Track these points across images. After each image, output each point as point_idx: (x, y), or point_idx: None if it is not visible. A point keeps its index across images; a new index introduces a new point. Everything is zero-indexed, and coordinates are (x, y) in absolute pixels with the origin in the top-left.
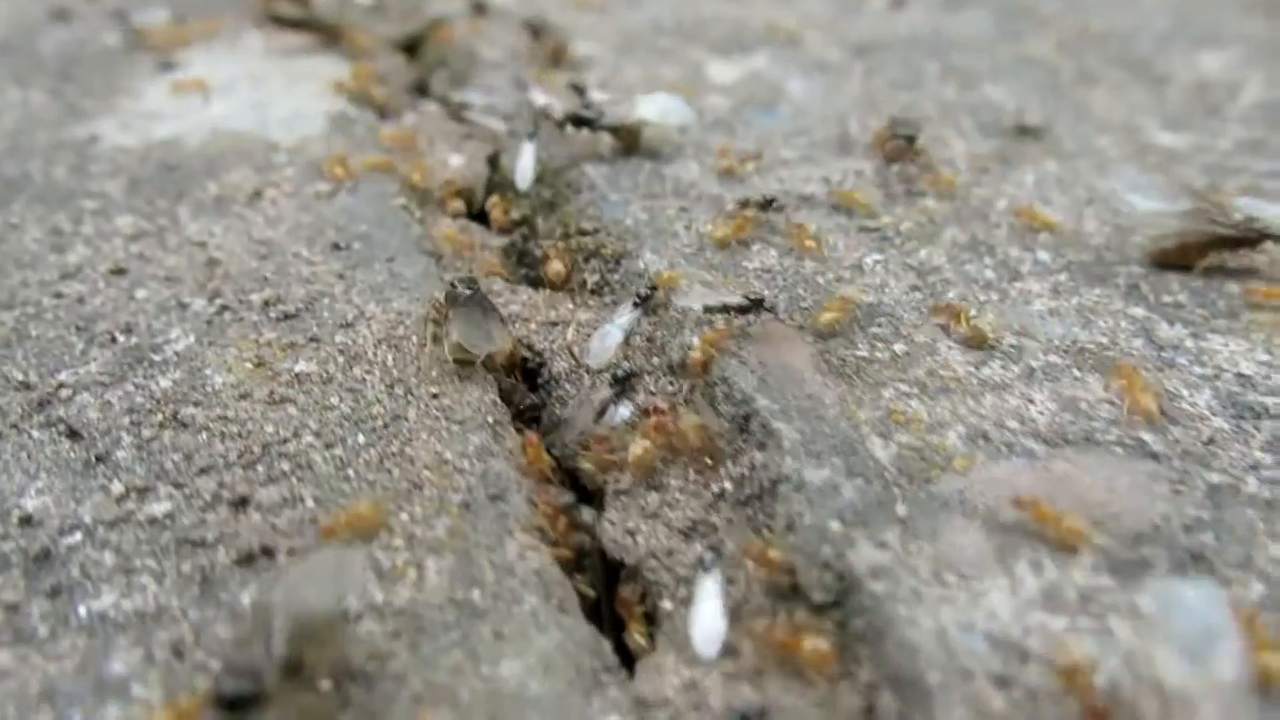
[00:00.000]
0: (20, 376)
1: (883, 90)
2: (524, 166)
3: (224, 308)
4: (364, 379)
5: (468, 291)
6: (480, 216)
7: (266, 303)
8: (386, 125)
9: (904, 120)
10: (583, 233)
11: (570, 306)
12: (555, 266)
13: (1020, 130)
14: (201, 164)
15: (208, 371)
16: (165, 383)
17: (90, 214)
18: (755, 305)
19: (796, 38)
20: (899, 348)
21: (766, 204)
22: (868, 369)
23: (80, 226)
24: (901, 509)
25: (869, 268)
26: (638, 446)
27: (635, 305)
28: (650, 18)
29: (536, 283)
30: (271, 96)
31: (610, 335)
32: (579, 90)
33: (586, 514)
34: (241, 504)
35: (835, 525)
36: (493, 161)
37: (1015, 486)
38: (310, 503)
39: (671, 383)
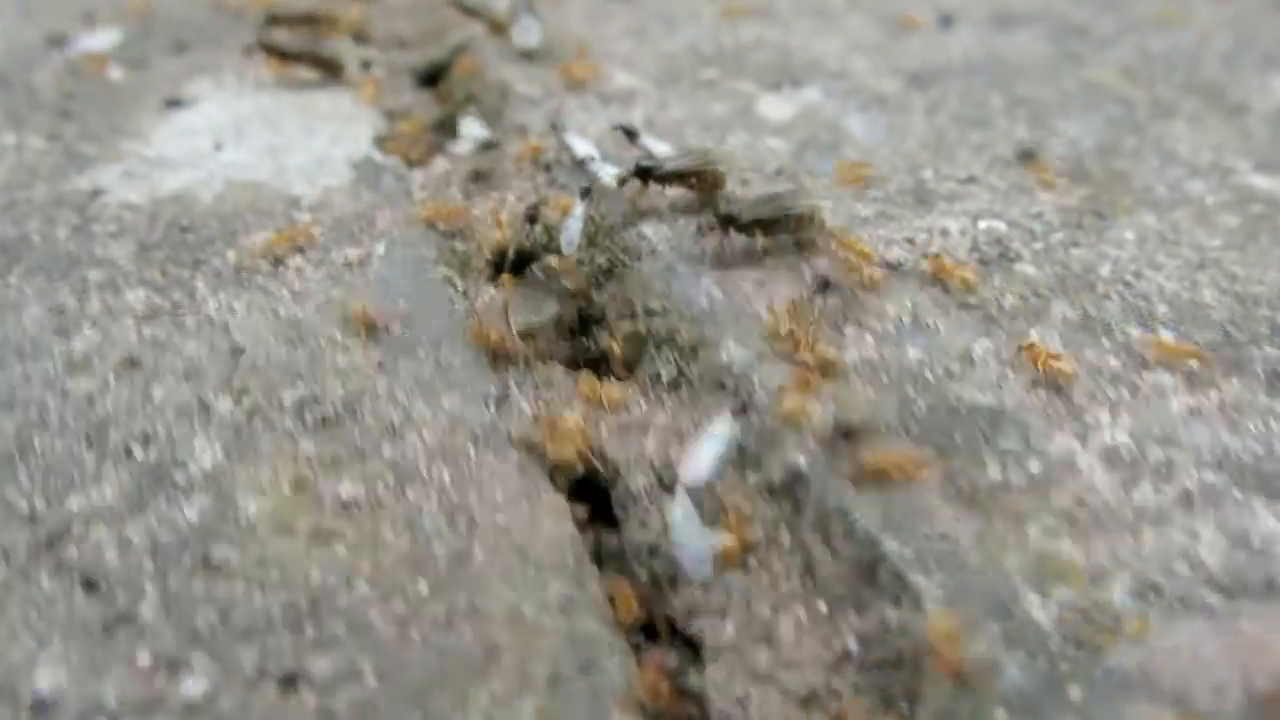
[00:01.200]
0: (25, 505)
1: (950, 128)
2: (571, 230)
3: (253, 410)
4: (419, 506)
5: None
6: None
7: (301, 404)
8: (416, 173)
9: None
10: (650, 313)
11: (643, 404)
12: (621, 355)
13: (1108, 175)
14: (217, 224)
15: (240, 497)
16: (192, 513)
17: (96, 287)
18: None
19: (846, 66)
20: (1034, 467)
21: (824, 286)
22: (1004, 497)
23: (86, 303)
24: (1075, 692)
25: (979, 357)
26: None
27: (734, 415)
28: (688, 43)
29: (598, 365)
30: (288, 140)
31: (706, 450)
32: (629, 134)
33: (693, 677)
34: (290, 682)
35: (1001, 715)
36: (532, 217)
37: (1201, 657)
38: (372, 678)
39: (771, 507)
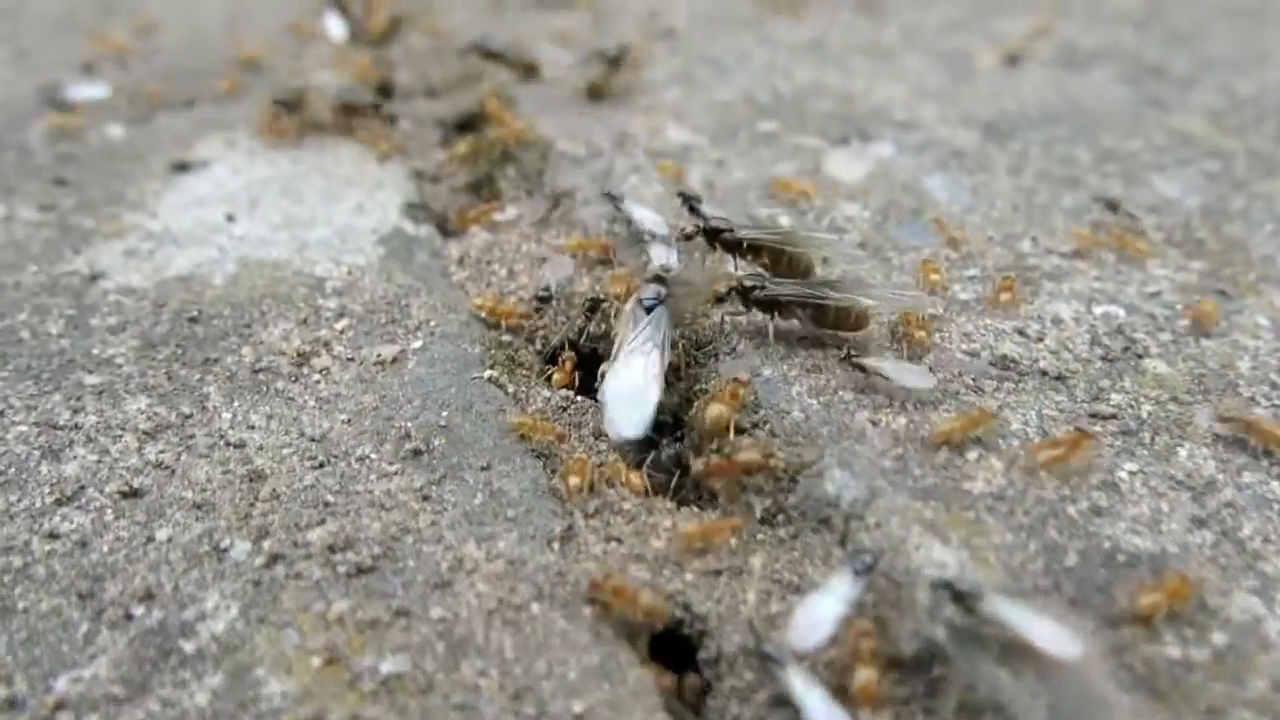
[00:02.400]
0: (3, 688)
1: (1038, 188)
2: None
3: (275, 556)
4: (477, 685)
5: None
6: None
7: (331, 547)
8: (452, 245)
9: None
10: (737, 430)
11: (733, 544)
12: (712, 485)
13: (1222, 244)
14: (231, 315)
15: (260, 674)
16: (202, 697)
17: (93, 394)
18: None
19: (915, 115)
20: (1219, 639)
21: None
22: (1188, 681)
23: (80, 415)
24: None
25: (1125, 485)
26: None
27: (858, 574)
28: (742, 91)
29: (676, 490)
30: (309, 209)
31: (823, 611)
32: (691, 204)
33: None
34: None
35: None
36: (592, 307)
37: None
38: None
39: (903, 685)
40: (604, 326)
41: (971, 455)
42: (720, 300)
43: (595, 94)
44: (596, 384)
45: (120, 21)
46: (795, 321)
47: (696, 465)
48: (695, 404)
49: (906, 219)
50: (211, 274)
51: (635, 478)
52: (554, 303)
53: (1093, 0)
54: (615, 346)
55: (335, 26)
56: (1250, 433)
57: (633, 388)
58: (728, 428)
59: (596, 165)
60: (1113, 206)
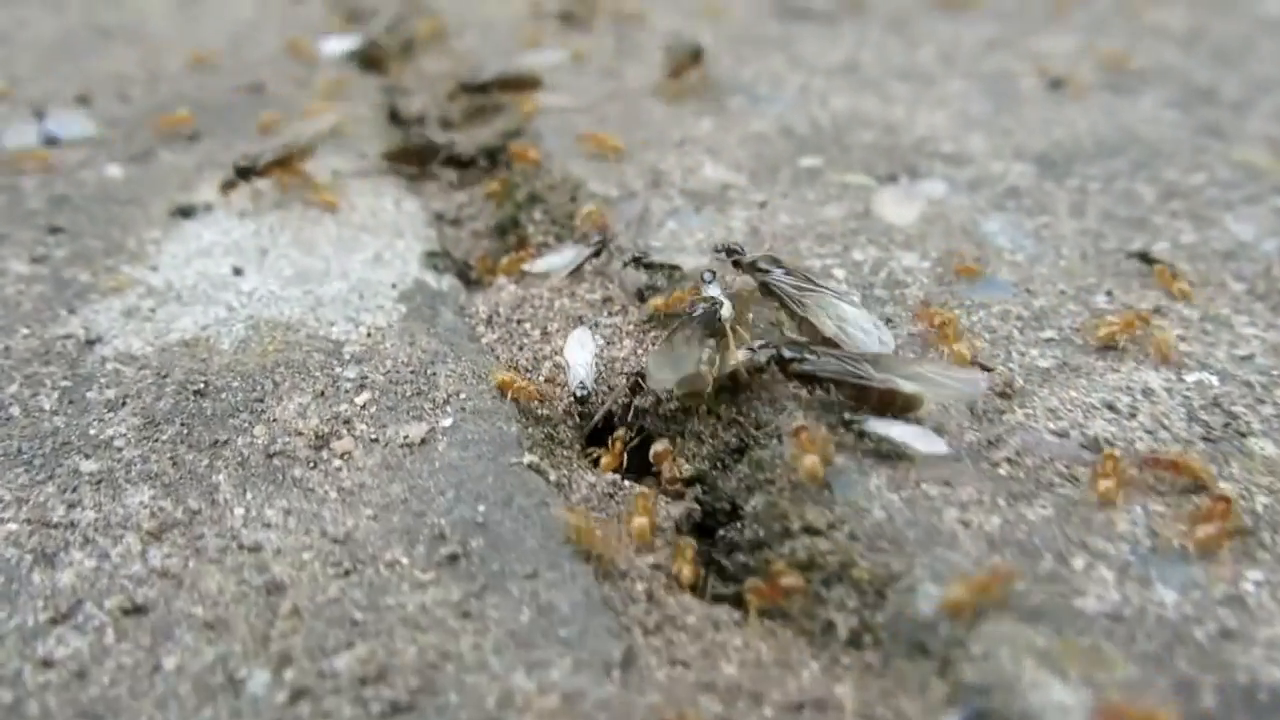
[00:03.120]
0: None
1: (1105, 231)
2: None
3: (299, 690)
4: None
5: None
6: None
7: (362, 679)
8: (478, 300)
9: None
10: (811, 530)
11: (815, 668)
12: (775, 593)
13: None
14: (241, 386)
15: None
16: None
17: (90, 484)
18: None
19: (963, 147)
20: None
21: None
22: None
23: (77, 510)
24: None
25: (1253, 599)
26: None
27: None
28: (779, 121)
29: (742, 602)
30: (322, 260)
31: None
32: (735, 258)
33: None
34: None
35: None
36: (637, 386)
37: None
38: None
39: None
40: (651, 399)
41: (1078, 563)
42: (759, 371)
43: (677, 73)
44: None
45: (119, 47)
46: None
47: (746, 585)
48: (756, 488)
49: (960, 265)
50: (219, 337)
51: (688, 570)
52: (593, 398)
53: (1131, 15)
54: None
55: (334, 46)
56: None
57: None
58: (820, 477)
59: (631, 208)
60: (1146, 259)
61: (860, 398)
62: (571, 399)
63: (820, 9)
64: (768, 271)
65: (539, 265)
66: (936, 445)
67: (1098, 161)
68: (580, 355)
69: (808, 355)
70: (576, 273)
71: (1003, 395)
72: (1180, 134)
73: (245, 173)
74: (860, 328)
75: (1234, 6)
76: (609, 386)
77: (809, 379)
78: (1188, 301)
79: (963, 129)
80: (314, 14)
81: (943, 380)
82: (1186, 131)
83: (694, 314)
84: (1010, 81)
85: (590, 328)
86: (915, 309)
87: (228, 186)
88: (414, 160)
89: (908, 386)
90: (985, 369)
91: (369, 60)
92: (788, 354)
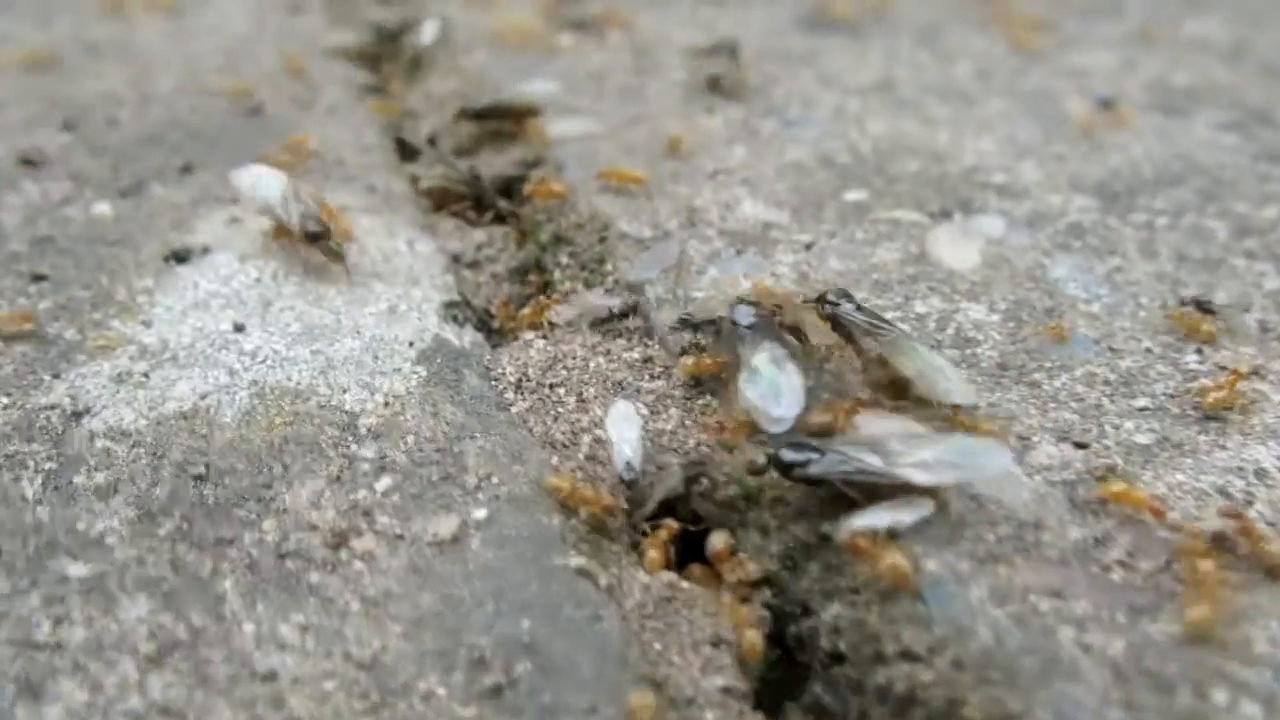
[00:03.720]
0: None
1: (1183, 276)
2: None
3: None
4: None
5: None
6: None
7: None
8: (504, 358)
9: None
10: (909, 656)
11: None
12: None
13: None
14: (247, 469)
15: None
16: None
17: (80, 593)
18: None
19: (1016, 176)
20: None
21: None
22: None
23: (65, 626)
24: None
25: None
26: None
27: None
28: (816, 148)
29: None
30: (331, 313)
31: None
32: (796, 335)
33: None
34: None
35: None
36: (696, 474)
37: None
38: None
39: None
40: (706, 482)
41: (1219, 697)
42: (757, 474)
43: (714, 87)
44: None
45: (108, 64)
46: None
47: None
48: (834, 595)
49: (1041, 321)
50: (220, 408)
51: None
52: (642, 481)
53: (1172, 26)
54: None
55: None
56: None
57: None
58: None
59: (666, 252)
60: (1204, 308)
61: (872, 495)
62: (618, 482)
63: (845, 20)
64: (837, 304)
65: (565, 314)
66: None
67: (1160, 192)
68: (625, 433)
69: (812, 455)
70: (609, 326)
71: (1103, 480)
72: (1240, 160)
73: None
74: (943, 374)
75: (1275, 18)
76: (657, 466)
77: (814, 483)
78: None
79: (1013, 156)
80: (313, 25)
81: (960, 462)
82: (1247, 158)
83: (745, 324)
84: (1054, 102)
85: (631, 398)
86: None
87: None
88: (456, 200)
89: (920, 477)
90: (1080, 446)
91: (372, 79)
92: (789, 457)
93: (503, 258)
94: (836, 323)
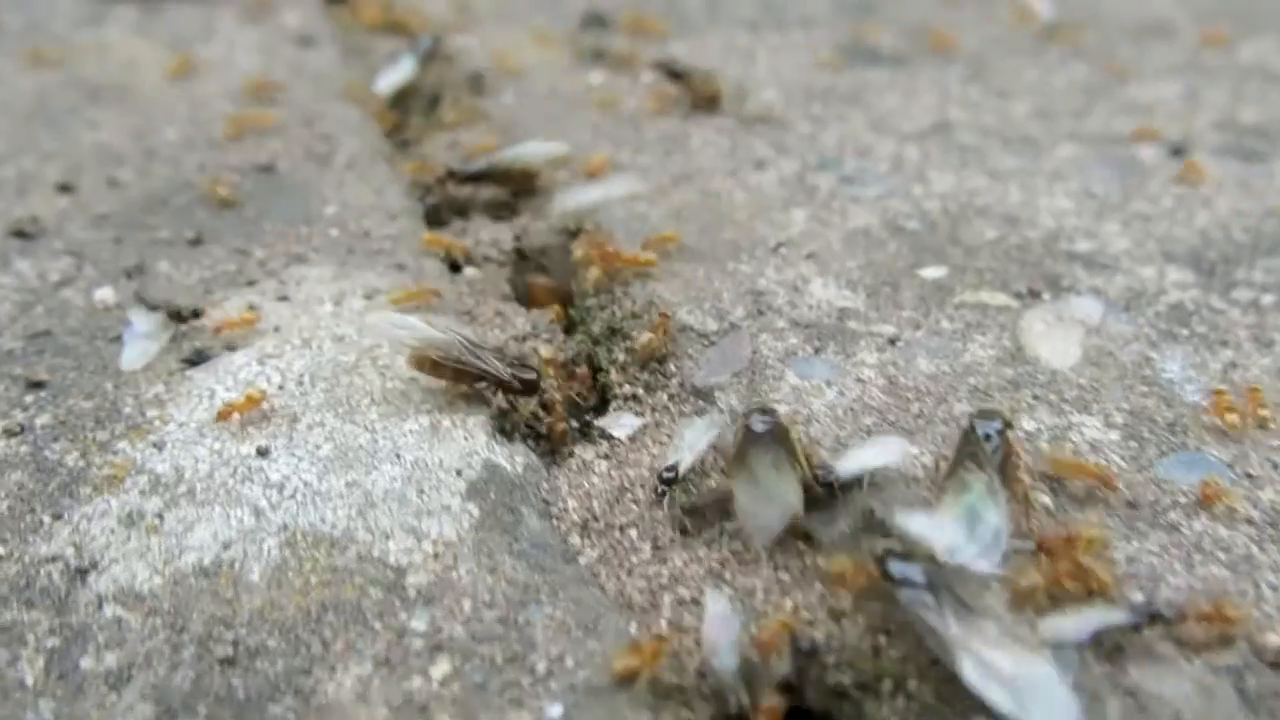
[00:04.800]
0: None
1: None
2: None
3: None
4: None
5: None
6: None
7: None
8: (562, 483)
9: None
10: None
11: None
12: None
13: None
14: (279, 648)
15: None
16: None
17: None
18: None
19: (1102, 244)
20: None
21: None
22: None
23: None
24: None
25: None
26: None
27: None
28: (880, 210)
29: None
30: (365, 429)
31: None
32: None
33: None
34: None
35: None
36: (810, 649)
37: None
38: None
39: None
40: (816, 669)
41: None
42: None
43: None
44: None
45: (106, 111)
46: None
47: None
48: None
49: (1165, 438)
50: (246, 562)
51: None
52: (741, 672)
53: (1226, 51)
54: None
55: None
56: None
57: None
58: None
59: (736, 350)
60: None
61: None
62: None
63: (887, 50)
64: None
65: (623, 428)
66: None
67: (1259, 261)
68: (722, 634)
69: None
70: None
71: (1274, 666)
72: None
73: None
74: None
75: None
76: (757, 658)
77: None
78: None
79: (1093, 217)
80: (325, 61)
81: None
82: None
83: (757, 430)
84: (1124, 147)
85: (722, 587)
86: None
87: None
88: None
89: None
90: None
91: (394, 124)
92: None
93: (550, 348)
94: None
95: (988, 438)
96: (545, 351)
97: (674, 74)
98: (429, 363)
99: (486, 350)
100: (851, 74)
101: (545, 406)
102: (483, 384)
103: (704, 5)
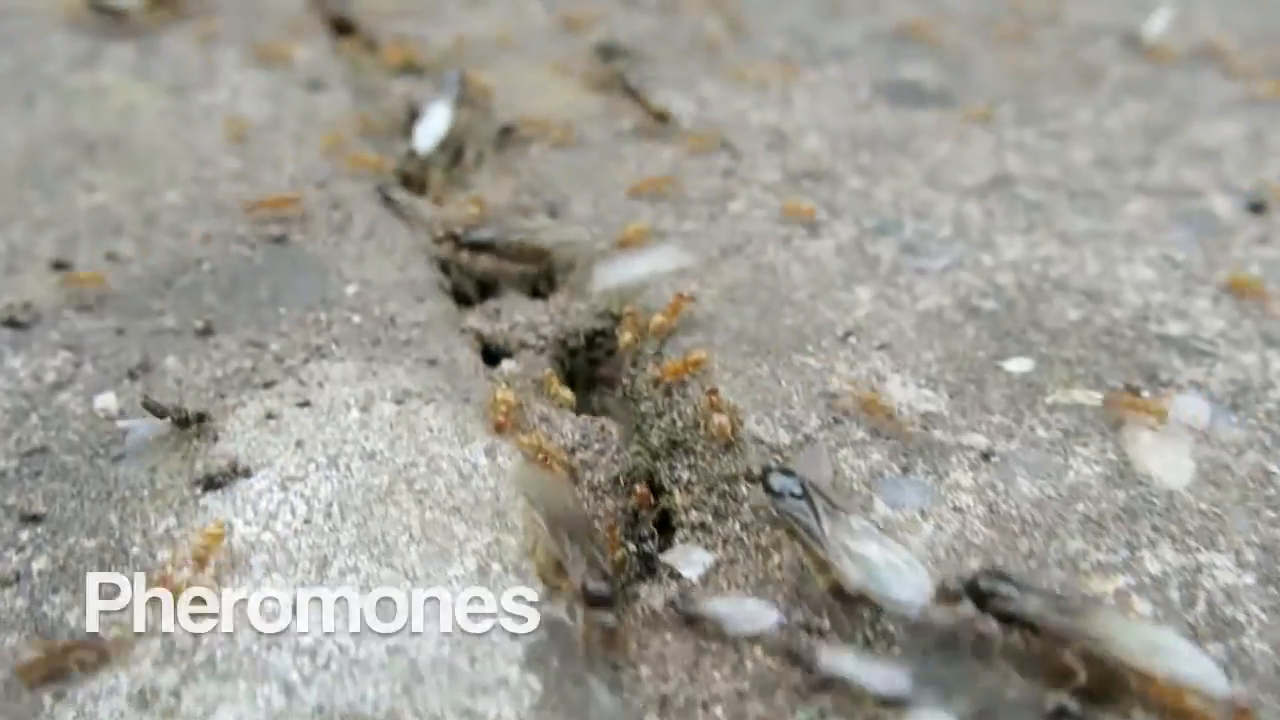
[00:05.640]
0: None
1: None
2: None
3: None
4: None
5: None
6: None
7: None
8: (630, 638)
9: None
10: None
11: None
12: None
13: None
14: None
15: None
16: None
17: None
18: None
19: (1194, 323)
20: None
21: None
22: None
23: None
24: None
25: None
26: None
27: None
28: (950, 285)
29: None
30: (404, 573)
31: None
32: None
33: None
34: None
35: None
36: None
37: None
38: None
39: None
40: None
41: None
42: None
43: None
44: None
45: (102, 167)
46: None
47: None
48: None
49: None
50: None
51: None
52: None
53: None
54: None
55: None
56: None
57: None
58: None
59: (813, 466)
60: None
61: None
62: None
63: (930, 86)
64: None
65: (693, 565)
66: None
67: None
68: None
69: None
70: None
71: None
72: None
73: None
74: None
75: None
76: None
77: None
78: None
79: (1180, 290)
80: (338, 107)
81: None
82: None
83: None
84: (1198, 199)
85: None
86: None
87: None
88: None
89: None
90: None
91: (409, 179)
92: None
93: (602, 461)
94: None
95: None
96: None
97: (659, 116)
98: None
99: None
100: (896, 116)
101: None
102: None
103: (731, 36)
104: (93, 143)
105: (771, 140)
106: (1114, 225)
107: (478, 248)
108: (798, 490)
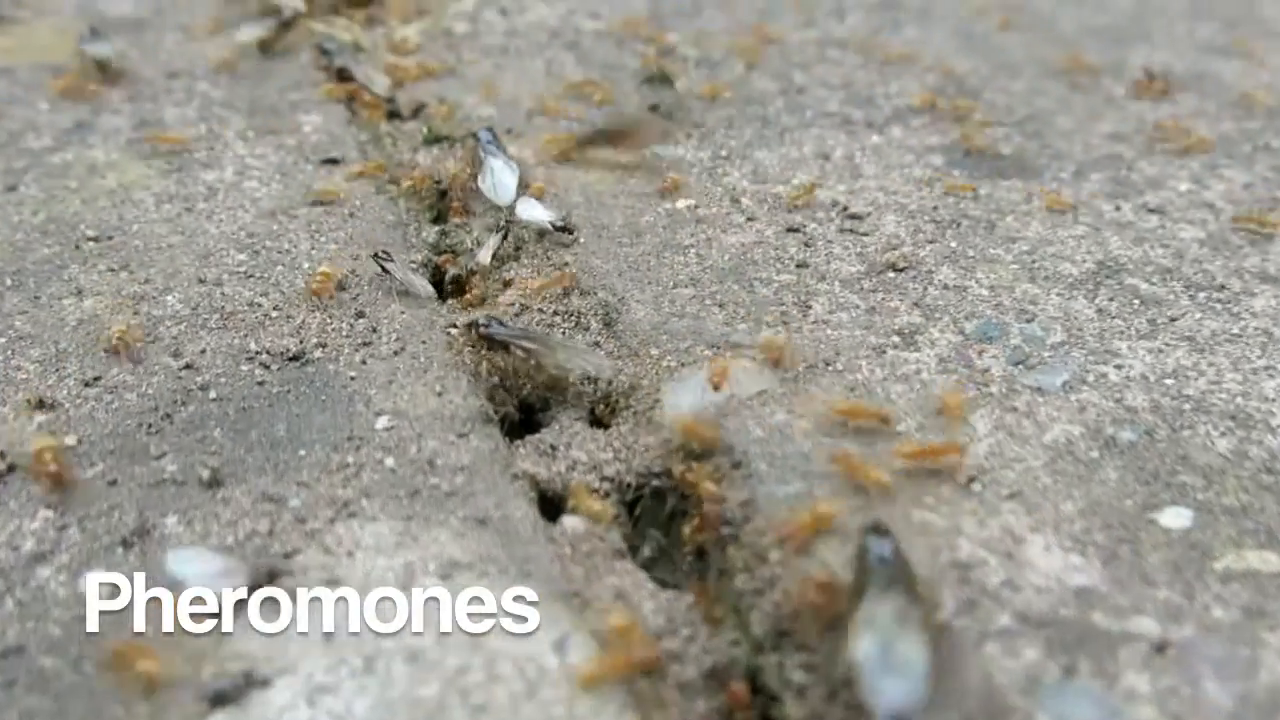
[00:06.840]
0: None
1: None
2: None
3: None
4: None
5: None
6: None
7: None
8: None
9: None
10: None
11: None
12: None
13: None
14: None
15: None
16: None
17: None
18: None
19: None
20: None
21: None
22: None
23: None
24: None
25: None
26: None
27: None
28: (1075, 408)
29: None
30: None
31: None
32: None
33: None
34: None
35: None
36: None
37: None
38: None
39: None
40: None
41: None
42: None
43: None
44: None
45: (95, 269)
46: None
47: None
48: None
49: None
50: None
51: None
52: None
53: None
54: None
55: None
56: None
57: None
58: None
59: (958, 677)
60: None
61: None
62: None
63: (1007, 153)
64: None
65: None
66: None
67: None
68: None
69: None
70: None
71: None
72: None
73: None
74: None
75: None
76: None
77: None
78: None
79: (1229, 339)
80: (357, 188)
81: None
82: None
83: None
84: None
85: None
86: None
87: None
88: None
89: None
90: None
91: (443, 274)
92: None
93: (691, 650)
94: None
95: None
96: None
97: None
98: None
99: None
100: (977, 190)
101: None
102: None
103: (782, 95)
104: (82, 238)
105: (843, 223)
106: (1243, 323)
107: (499, 345)
108: None
